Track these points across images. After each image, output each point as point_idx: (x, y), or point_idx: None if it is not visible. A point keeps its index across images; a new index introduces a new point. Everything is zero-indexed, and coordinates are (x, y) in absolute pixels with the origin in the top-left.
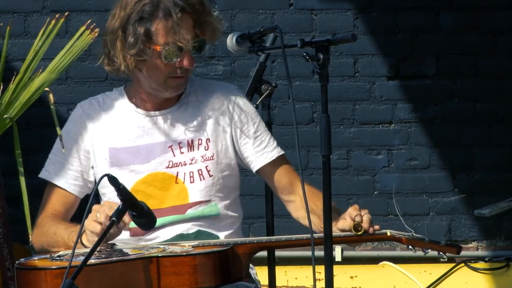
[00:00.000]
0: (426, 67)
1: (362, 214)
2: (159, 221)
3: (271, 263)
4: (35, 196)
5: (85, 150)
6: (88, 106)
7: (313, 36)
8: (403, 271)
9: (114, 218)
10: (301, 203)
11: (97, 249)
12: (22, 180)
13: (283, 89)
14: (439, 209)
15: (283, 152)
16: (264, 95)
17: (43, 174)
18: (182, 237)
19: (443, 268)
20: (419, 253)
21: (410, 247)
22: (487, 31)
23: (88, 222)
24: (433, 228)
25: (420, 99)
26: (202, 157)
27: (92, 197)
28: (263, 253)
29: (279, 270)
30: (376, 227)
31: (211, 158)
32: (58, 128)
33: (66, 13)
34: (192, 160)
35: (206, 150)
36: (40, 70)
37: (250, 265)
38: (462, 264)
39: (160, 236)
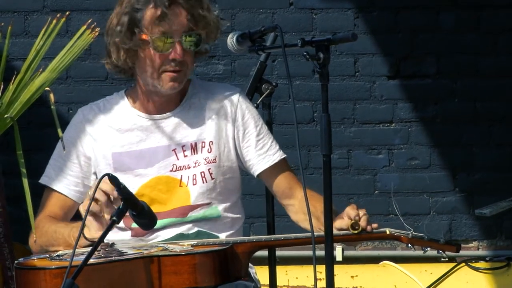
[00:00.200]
0: (426, 66)
1: (360, 212)
2: (161, 223)
3: (272, 262)
4: (36, 196)
5: (86, 156)
6: (89, 111)
7: (314, 35)
8: (404, 271)
9: (114, 218)
10: (300, 206)
11: (97, 248)
12: (25, 182)
13: (284, 89)
14: (440, 208)
15: (285, 155)
16: (264, 95)
17: (43, 180)
18: (182, 236)
19: (443, 267)
20: (420, 252)
21: (409, 245)
22: (488, 30)
23: (81, 208)
24: (433, 227)
25: (420, 99)
26: (205, 159)
27: (92, 199)
28: (264, 253)
29: (280, 270)
30: (374, 225)
31: (214, 160)
32: (59, 130)
33: (67, 13)
34: (195, 163)
35: (209, 152)
36: (41, 70)
37: (250, 264)
38: (463, 264)
39: (160, 236)
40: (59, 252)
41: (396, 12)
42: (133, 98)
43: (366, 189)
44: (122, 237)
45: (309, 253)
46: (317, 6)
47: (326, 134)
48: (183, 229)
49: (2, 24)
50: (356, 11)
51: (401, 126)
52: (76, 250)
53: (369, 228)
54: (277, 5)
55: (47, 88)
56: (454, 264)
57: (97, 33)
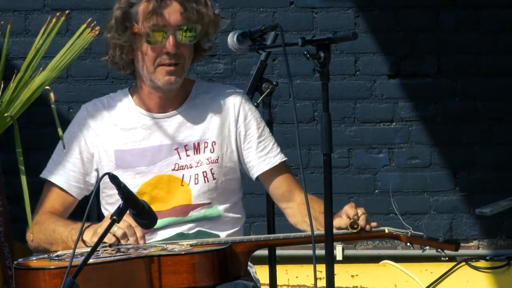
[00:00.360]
0: (427, 65)
1: (358, 211)
2: (162, 222)
3: (272, 262)
4: (36, 195)
5: (89, 153)
6: (93, 107)
7: (314, 34)
8: (404, 270)
9: (115, 217)
10: (298, 209)
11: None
12: (24, 180)
13: (284, 88)
14: (440, 207)
15: (285, 158)
16: (265, 94)
17: (44, 174)
18: (182, 235)
19: (444, 267)
20: (420, 251)
21: (408, 244)
22: (488, 29)
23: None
24: (433, 226)
25: (421, 98)
26: (208, 159)
27: (93, 197)
28: (264, 252)
29: (280, 269)
30: (373, 224)
31: (216, 161)
32: (59, 129)
33: (67, 12)
34: (198, 162)
35: (212, 152)
36: (41, 69)
37: (249, 263)
38: (463, 263)
39: (160, 235)
40: (58, 253)
41: (397, 11)
42: (137, 96)
43: (366, 188)
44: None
45: (309, 252)
46: (317, 5)
47: (327, 133)
48: (183, 228)
49: (2, 22)
50: (357, 10)
51: (401, 125)
52: (76, 251)
53: (368, 227)
54: (278, 4)
55: (47, 87)
56: (454, 263)
57: (97, 32)
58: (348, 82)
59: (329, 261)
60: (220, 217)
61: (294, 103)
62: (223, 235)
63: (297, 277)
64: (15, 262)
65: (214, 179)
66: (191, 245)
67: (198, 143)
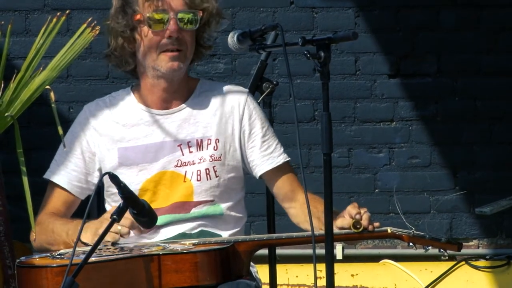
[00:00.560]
0: (427, 65)
1: (361, 211)
2: (164, 218)
3: (272, 261)
4: (36, 195)
5: (91, 152)
6: (95, 107)
7: (314, 34)
8: (404, 269)
9: (115, 216)
10: (301, 209)
11: (98, 247)
12: (25, 180)
13: (284, 87)
14: (440, 207)
15: (289, 158)
16: (265, 93)
17: (47, 175)
18: (184, 236)
19: (444, 266)
20: (420, 251)
21: (410, 244)
22: (488, 29)
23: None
24: (434, 226)
25: (421, 97)
26: (211, 156)
27: (93, 196)
28: (264, 251)
29: (280, 268)
30: (376, 224)
31: (219, 158)
32: (59, 128)
33: (67, 11)
34: (200, 159)
35: (215, 150)
36: (41, 68)
37: (251, 263)
38: (463, 262)
39: (163, 234)
40: (60, 251)
41: (397, 10)
42: (139, 94)
43: (366, 187)
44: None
45: (309, 251)
46: (317, 5)
47: (327, 133)
48: (185, 228)
49: (3, 22)
50: (357, 9)
51: (401, 125)
52: (78, 249)
53: (370, 227)
54: (278, 3)
55: (47, 87)
56: (454, 262)
57: (97, 32)
58: (348, 82)
59: (329, 260)
60: (222, 216)
61: (294, 103)
62: (225, 234)
63: (297, 276)
64: (18, 260)
65: (216, 176)
66: (193, 244)
67: (201, 140)
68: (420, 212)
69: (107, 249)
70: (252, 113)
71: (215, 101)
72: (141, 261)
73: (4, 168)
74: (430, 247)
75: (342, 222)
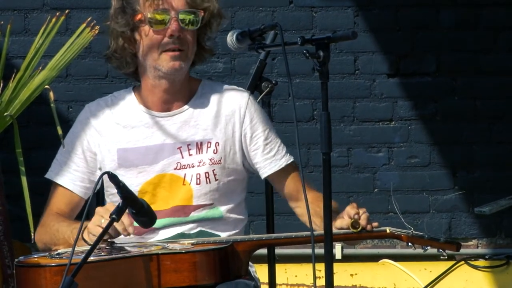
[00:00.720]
0: (426, 64)
1: (360, 211)
2: (163, 222)
3: (271, 261)
4: (35, 194)
5: (92, 152)
6: (96, 107)
7: (313, 33)
8: (403, 269)
9: (114, 216)
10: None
11: (97, 246)
12: (24, 180)
13: (283, 87)
14: (439, 206)
15: (292, 159)
16: (264, 93)
17: (49, 175)
18: (183, 236)
19: (443, 266)
20: (419, 250)
21: (409, 244)
22: (488, 28)
23: (91, 226)
24: (433, 225)
25: (420, 97)
26: (210, 160)
27: (93, 195)
28: (263, 251)
29: (279, 268)
30: (375, 224)
31: (219, 162)
32: (59, 128)
33: (67, 11)
34: (200, 162)
35: (215, 153)
36: (40, 68)
37: (250, 263)
38: (462, 262)
39: (161, 235)
40: (59, 251)
41: (396, 10)
42: (140, 95)
43: (365, 187)
44: (123, 235)
45: (308, 251)
46: (317, 4)
47: (326, 132)
48: (184, 228)
49: (2, 22)
50: (356, 9)
51: (401, 124)
52: (77, 249)
53: (369, 227)
54: (277, 3)
55: (46, 86)
56: (453, 262)
57: (96, 31)
58: (347, 81)
59: (328, 260)
60: (222, 218)
61: (293, 102)
62: (224, 235)
63: (296, 276)
64: (16, 260)
65: (216, 180)
66: (192, 244)
67: (201, 143)
68: (419, 212)
69: (106, 248)
70: (253, 116)
71: (216, 104)
72: (140, 260)
73: (3, 168)
74: (429, 247)
75: (341, 222)
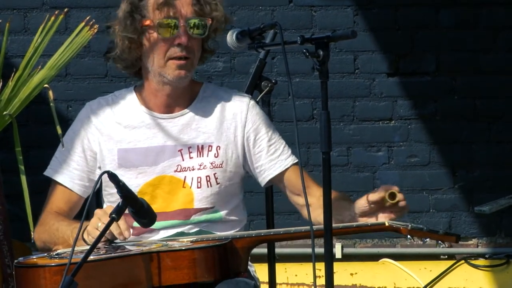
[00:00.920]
0: (426, 63)
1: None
2: (163, 224)
3: (271, 260)
4: (35, 193)
5: (92, 151)
6: (97, 105)
7: (313, 32)
8: (403, 268)
9: (114, 215)
10: (318, 204)
11: (97, 245)
12: (23, 179)
13: (283, 86)
14: (439, 206)
15: (297, 160)
16: (264, 92)
17: (48, 172)
18: (182, 234)
19: (443, 265)
20: (419, 250)
21: (408, 237)
22: (487, 27)
23: (90, 229)
24: (433, 225)
25: (420, 96)
26: (212, 163)
27: (92, 195)
28: (263, 250)
29: (279, 267)
30: (402, 202)
31: (220, 165)
32: (58, 127)
33: (66, 10)
34: (200, 165)
35: (216, 157)
36: (40, 67)
37: (249, 262)
38: (462, 261)
39: (161, 235)
40: (58, 251)
41: (396, 9)
42: (142, 95)
43: (365, 186)
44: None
45: (308, 250)
46: (316, 4)
47: (326, 132)
48: (183, 228)
49: (1, 21)
50: (356, 8)
51: (400, 124)
52: (76, 248)
53: (403, 203)
54: (277, 2)
55: (46, 85)
56: (453, 261)
57: (96, 30)
58: (347, 80)
59: (328, 259)
60: (221, 220)
61: (293, 101)
62: (222, 234)
63: (296, 275)
64: (16, 261)
65: (217, 184)
66: (191, 241)
67: (202, 146)
68: (419, 211)
69: (105, 247)
70: (255, 119)
71: (217, 107)
72: (139, 259)
73: (2, 167)
74: (428, 239)
75: (378, 194)
